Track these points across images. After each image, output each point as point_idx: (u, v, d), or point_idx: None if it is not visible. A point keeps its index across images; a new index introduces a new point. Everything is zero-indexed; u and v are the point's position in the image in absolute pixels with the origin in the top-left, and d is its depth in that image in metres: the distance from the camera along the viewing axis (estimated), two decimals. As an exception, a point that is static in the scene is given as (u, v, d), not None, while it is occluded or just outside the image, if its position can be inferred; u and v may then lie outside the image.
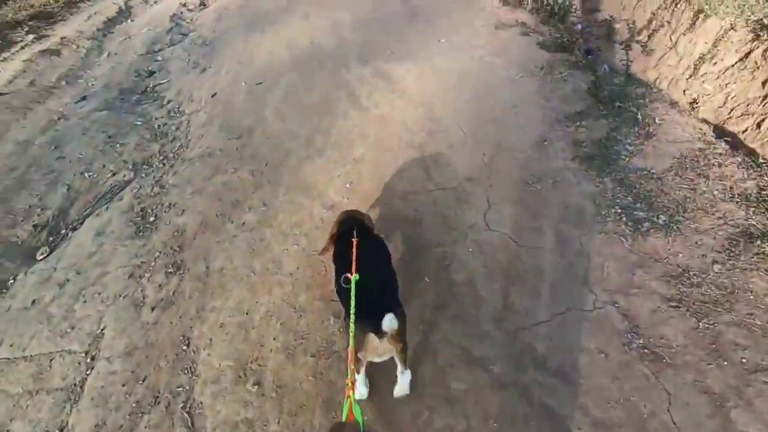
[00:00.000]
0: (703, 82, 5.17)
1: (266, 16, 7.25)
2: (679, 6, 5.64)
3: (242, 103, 5.07)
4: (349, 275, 2.07)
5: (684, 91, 5.18)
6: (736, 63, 4.47)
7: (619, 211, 3.14)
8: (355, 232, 2.34)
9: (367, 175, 3.79)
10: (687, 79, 5.15)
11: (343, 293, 2.15)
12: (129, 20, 8.19)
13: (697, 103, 4.98)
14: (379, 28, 6.18)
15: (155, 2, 9.07)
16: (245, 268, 3.24)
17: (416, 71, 4.99)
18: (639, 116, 3.85)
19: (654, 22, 6.11)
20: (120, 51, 6.97)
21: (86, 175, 4.41)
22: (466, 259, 3.01)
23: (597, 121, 3.86)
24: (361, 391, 2.32)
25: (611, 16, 6.91)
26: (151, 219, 3.80)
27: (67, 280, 3.40)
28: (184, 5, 8.70)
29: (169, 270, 3.34)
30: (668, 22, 5.86)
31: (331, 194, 3.68)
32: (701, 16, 5.25)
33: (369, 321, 1.91)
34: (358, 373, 2.21)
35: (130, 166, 4.45)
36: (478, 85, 4.56)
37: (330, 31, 6.31)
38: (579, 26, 5.67)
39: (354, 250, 2.21)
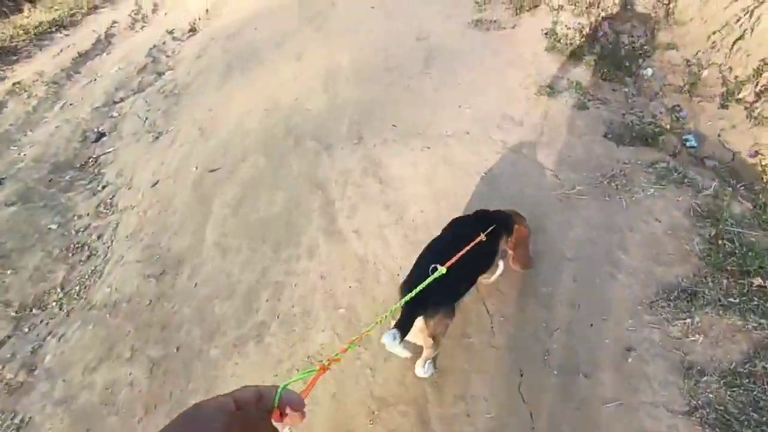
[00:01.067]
0: None
1: (254, 54, 5.74)
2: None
3: (184, 206, 3.58)
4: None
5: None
6: None
7: None
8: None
9: (326, 399, 2.24)
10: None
11: None
12: (104, 54, 6.85)
13: None
14: (384, 79, 4.57)
15: (142, 27, 7.74)
16: None
17: (424, 167, 3.36)
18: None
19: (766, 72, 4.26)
20: (78, 100, 5.62)
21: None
22: None
23: (719, 318, 2.15)
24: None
25: (696, 58, 5.06)
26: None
27: None
28: (171, 32, 7.31)
29: None
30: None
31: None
32: None
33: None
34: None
35: (13, 312, 3.07)
36: (516, 204, 2.92)
37: (322, 82, 4.74)
38: (685, 136, 3.86)
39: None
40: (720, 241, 2.41)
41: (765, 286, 2.14)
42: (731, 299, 2.15)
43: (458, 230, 2.13)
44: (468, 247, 1.89)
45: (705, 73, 4.72)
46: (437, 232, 2.58)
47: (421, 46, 5.12)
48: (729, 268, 2.25)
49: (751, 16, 4.55)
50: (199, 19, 7.71)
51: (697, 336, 2.06)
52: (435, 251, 2.01)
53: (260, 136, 4.11)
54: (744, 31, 4.57)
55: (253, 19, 6.83)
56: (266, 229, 3.15)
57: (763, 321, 2.01)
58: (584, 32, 4.95)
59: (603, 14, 5.44)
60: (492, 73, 4.37)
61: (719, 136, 4.18)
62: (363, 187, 3.30)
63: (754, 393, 1.88)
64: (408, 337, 1.84)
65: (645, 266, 2.41)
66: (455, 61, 4.70)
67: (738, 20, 4.76)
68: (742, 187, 2.89)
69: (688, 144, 4.10)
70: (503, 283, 2.50)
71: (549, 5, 5.30)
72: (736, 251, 2.33)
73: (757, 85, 4.22)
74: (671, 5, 5.74)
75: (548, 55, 4.38)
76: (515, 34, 4.94)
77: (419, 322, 1.84)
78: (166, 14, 8.23)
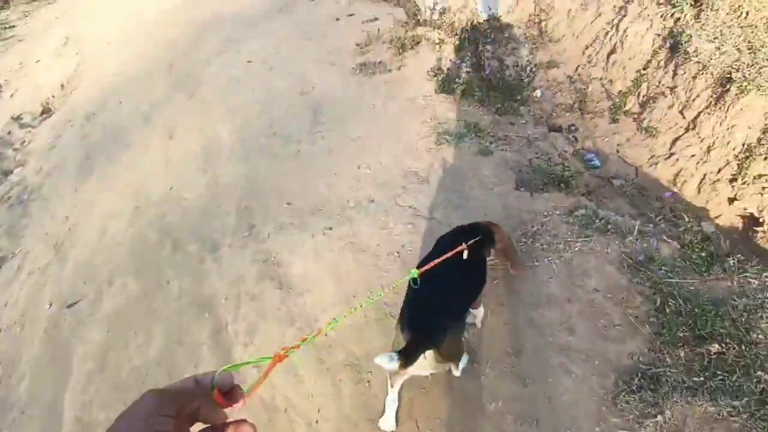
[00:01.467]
0: (763, 190, 3.38)
1: (118, 136, 4.91)
2: (685, 69, 3.84)
3: (34, 367, 2.74)
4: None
5: (732, 199, 3.38)
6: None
7: None
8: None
9: None
10: (733, 182, 3.35)
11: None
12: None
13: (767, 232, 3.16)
14: (272, 148, 4.02)
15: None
16: None
17: (329, 257, 2.83)
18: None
19: (647, 87, 4.31)
20: None
21: None
22: None
23: (690, 407, 1.81)
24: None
25: (577, 74, 5.09)
26: None
27: None
28: (18, 118, 6.22)
29: None
30: (671, 90, 4.07)
31: None
32: (731, 87, 3.47)
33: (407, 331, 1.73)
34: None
35: None
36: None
37: (200, 163, 4.07)
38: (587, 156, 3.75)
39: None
40: (660, 298, 2.14)
41: (723, 353, 1.87)
42: (695, 377, 1.85)
43: (445, 248, 1.96)
44: (449, 254, 1.82)
45: (589, 88, 4.73)
46: (357, 349, 2.07)
47: (307, 101, 4.64)
48: (682, 334, 1.96)
49: (617, 30, 4.64)
50: (53, 97, 6.68)
51: (674, 436, 1.72)
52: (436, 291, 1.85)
53: (129, 247, 3.35)
54: (614, 44, 4.64)
55: (116, 90, 5.97)
56: (142, 383, 2.42)
57: (736, 403, 1.71)
58: (469, 63, 4.78)
59: (481, 40, 5.35)
60: (386, 122, 4.00)
61: (617, 152, 4.13)
62: (260, 298, 2.70)
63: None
64: (430, 370, 1.80)
65: (596, 348, 2.07)
66: (346, 113, 4.27)
67: (606, 34, 4.85)
68: (662, 220, 2.70)
69: (591, 164, 4.00)
70: (445, 401, 2.03)
71: (430, 41, 5.10)
72: (682, 309, 2.07)
73: (639, 96, 4.26)
74: (543, 23, 5.83)
75: (440, 96, 4.09)
76: (403, 76, 4.63)
77: (430, 354, 1.72)
78: (12, 95, 7.05)
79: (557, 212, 2.71)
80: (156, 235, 3.40)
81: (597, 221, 2.57)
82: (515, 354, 2.13)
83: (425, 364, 1.74)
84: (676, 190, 3.59)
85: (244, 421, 0.53)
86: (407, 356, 1.58)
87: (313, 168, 3.69)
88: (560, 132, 4.14)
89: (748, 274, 2.13)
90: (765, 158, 3.14)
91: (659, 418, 1.76)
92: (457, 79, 4.22)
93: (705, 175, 3.47)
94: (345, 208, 3.22)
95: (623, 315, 2.15)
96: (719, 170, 3.40)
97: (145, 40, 6.93)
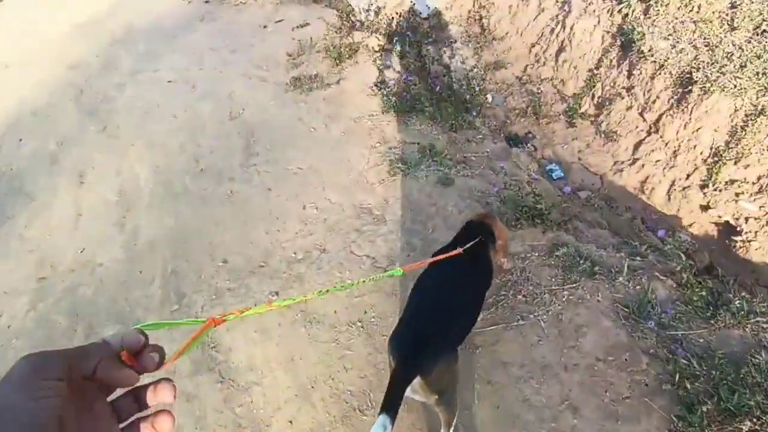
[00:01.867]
0: (737, 197, 3.17)
1: (17, 184, 4.10)
2: (641, 68, 3.59)
3: None
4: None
5: (705, 207, 3.16)
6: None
7: None
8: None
9: None
10: (704, 188, 3.13)
11: None
12: None
13: (746, 242, 2.96)
14: (199, 188, 3.41)
15: None
16: None
17: (278, 336, 2.29)
18: None
19: (602, 88, 4.05)
20: None
21: None
22: None
23: None
24: None
25: (527, 74, 4.78)
26: None
27: None
28: None
29: None
30: (627, 90, 3.83)
31: None
32: (693, 88, 3.24)
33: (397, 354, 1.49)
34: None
35: None
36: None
37: (116, 216, 3.40)
38: (549, 167, 3.42)
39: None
40: (669, 360, 1.82)
41: (757, 430, 1.56)
42: (730, 467, 1.53)
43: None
44: (444, 256, 1.63)
45: (541, 90, 4.43)
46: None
47: (237, 126, 4.05)
48: (705, 408, 1.64)
49: (563, 27, 4.36)
50: (-64, 139, 5.64)
51: None
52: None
53: (31, 339, 2.69)
54: (562, 42, 4.37)
55: (15, 125, 5.07)
56: None
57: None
58: (413, 71, 4.35)
59: (423, 42, 4.94)
60: (330, 149, 3.50)
61: (579, 159, 3.86)
62: (197, 397, 2.16)
63: None
64: (412, 395, 1.50)
65: (607, 433, 1.71)
66: (283, 140, 3.74)
67: (552, 31, 4.57)
68: (648, 250, 2.39)
69: (554, 176, 3.70)
70: None
71: (369, 48, 4.62)
72: (697, 373, 1.75)
73: (593, 97, 4.00)
74: (484, 20, 5.49)
75: (388, 115, 3.64)
76: (343, 91, 4.14)
77: (417, 382, 1.45)
78: None
79: (536, 254, 2.35)
80: (64, 317, 2.75)
81: (582, 262, 2.23)
82: (514, 449, 1.74)
83: (417, 389, 1.50)
84: (645, 198, 3.35)
85: (165, 380, 0.43)
86: (392, 404, 1.32)
87: (250, 212, 3.15)
88: (519, 143, 3.81)
89: (759, 320, 1.85)
90: (735, 162, 2.93)
91: None
92: (404, 94, 3.78)
93: (674, 182, 3.24)
94: (292, 262, 2.72)
95: (631, 384, 1.81)
96: (688, 176, 3.18)
97: (50, 62, 6.00)
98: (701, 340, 1.87)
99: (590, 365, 1.90)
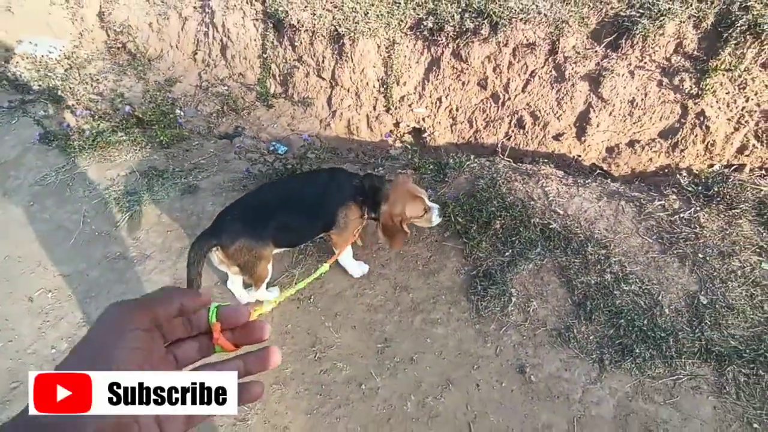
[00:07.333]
0: (410, 107, 4.09)
1: None
2: (296, 39, 4.14)
3: None
4: None
5: (396, 123, 3.99)
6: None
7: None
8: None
9: None
10: (389, 110, 3.94)
11: None
12: None
13: (431, 135, 3.90)
14: None
15: None
16: None
17: None
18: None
19: (278, 66, 4.47)
20: None
21: None
22: None
23: None
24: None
25: (205, 80, 4.83)
26: None
27: None
28: None
29: None
30: (299, 60, 4.32)
31: None
32: (344, 40, 3.97)
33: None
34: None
35: None
36: None
37: None
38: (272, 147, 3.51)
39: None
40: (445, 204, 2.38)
41: (504, 223, 2.25)
42: (506, 254, 2.16)
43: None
44: None
45: (226, 86, 4.61)
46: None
47: None
48: (474, 227, 2.24)
49: (216, 28, 4.60)
50: None
51: None
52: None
53: None
54: (222, 41, 4.61)
55: None
56: None
57: (535, 251, 2.10)
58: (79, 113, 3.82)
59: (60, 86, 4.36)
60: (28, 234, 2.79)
61: (293, 131, 4.27)
62: None
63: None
64: (219, 265, 1.95)
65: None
66: None
67: (206, 34, 4.76)
68: (386, 161, 2.95)
69: (280, 152, 4.00)
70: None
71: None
72: (456, 210, 2.35)
73: (275, 77, 4.45)
74: (129, 45, 5.23)
75: (82, 160, 3.12)
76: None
77: (219, 253, 1.88)
78: None
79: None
80: None
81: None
82: None
83: (217, 257, 1.90)
84: (356, 137, 4.03)
85: (269, 349, 0.47)
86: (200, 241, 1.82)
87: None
88: (234, 138, 3.92)
89: (471, 166, 2.61)
90: (397, 83, 3.85)
91: (513, 299, 1.99)
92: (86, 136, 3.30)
93: (368, 115, 4.01)
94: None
95: (429, 246, 2.27)
96: (374, 107, 3.99)
97: None
98: (452, 190, 2.50)
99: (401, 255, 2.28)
